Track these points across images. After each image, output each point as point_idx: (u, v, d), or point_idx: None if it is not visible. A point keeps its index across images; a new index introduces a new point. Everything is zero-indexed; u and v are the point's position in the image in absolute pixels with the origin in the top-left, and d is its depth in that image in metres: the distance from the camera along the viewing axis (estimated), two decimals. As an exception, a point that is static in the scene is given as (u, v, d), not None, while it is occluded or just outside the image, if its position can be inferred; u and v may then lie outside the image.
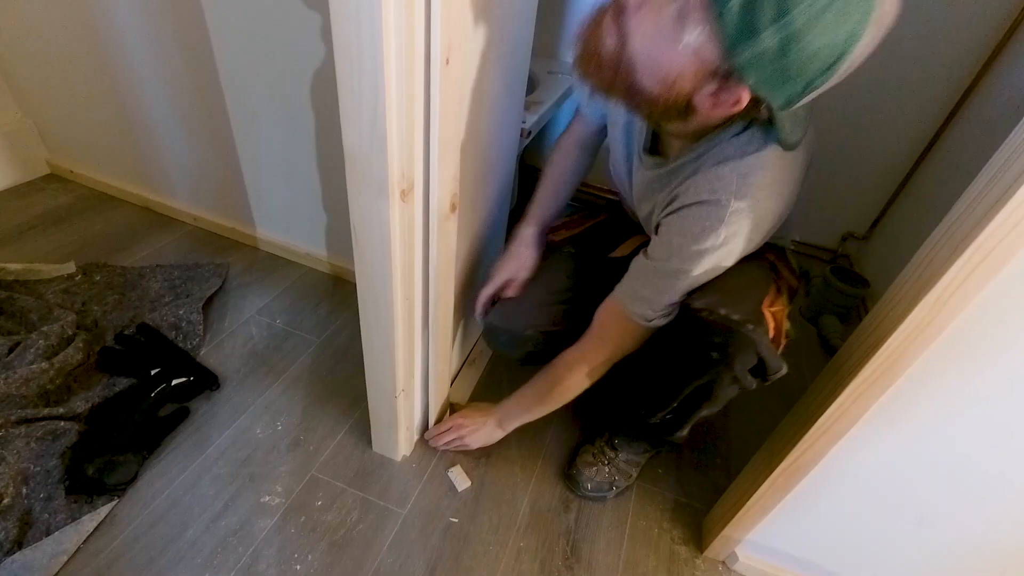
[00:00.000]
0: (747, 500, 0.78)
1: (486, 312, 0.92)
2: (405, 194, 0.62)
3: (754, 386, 0.69)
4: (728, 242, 0.60)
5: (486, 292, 0.91)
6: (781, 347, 0.70)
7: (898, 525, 0.71)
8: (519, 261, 0.92)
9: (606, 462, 0.96)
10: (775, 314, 0.69)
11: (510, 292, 0.91)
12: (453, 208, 0.73)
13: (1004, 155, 0.47)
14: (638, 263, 0.70)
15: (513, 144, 1.02)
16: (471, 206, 0.86)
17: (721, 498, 0.89)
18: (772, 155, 0.59)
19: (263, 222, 1.37)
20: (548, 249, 0.96)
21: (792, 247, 0.82)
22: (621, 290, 0.72)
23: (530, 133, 1.13)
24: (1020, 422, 0.56)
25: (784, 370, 0.68)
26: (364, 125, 0.55)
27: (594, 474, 0.94)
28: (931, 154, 1.39)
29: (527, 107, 1.20)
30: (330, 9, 0.49)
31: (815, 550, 0.80)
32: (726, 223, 0.59)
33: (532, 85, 1.38)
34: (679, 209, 0.63)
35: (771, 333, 0.67)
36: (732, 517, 0.81)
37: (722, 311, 0.64)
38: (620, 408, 0.95)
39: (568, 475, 0.96)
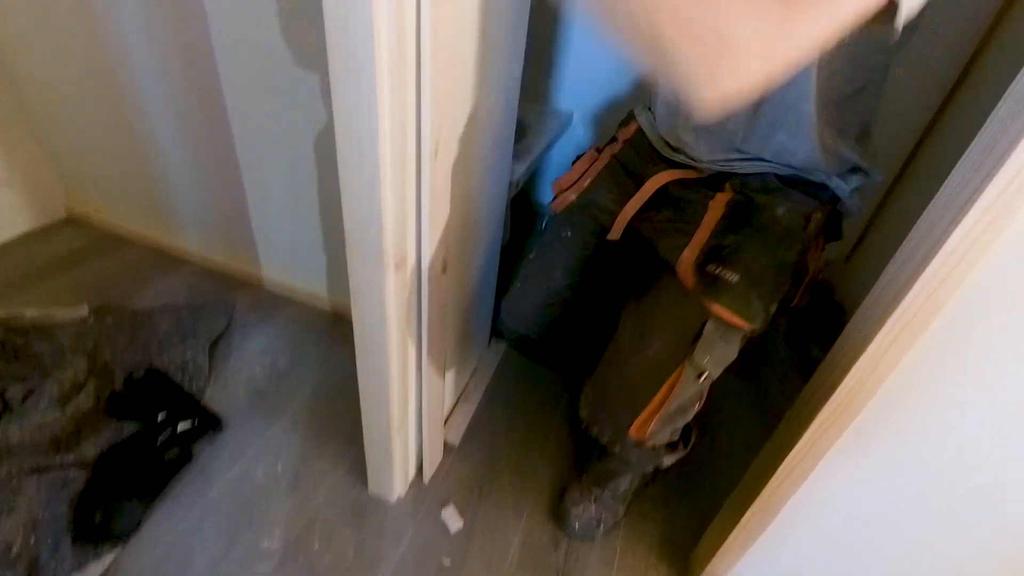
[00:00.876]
0: (728, 535, 0.81)
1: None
2: (400, 264, 0.68)
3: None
4: None
5: None
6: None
7: (878, 553, 0.73)
8: None
9: (592, 499, 0.99)
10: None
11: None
12: (444, 269, 0.78)
13: (953, 185, 0.52)
14: None
15: (502, 196, 1.08)
16: (462, 262, 0.91)
17: (705, 533, 0.93)
18: None
19: (268, 261, 1.43)
20: (550, 221, 0.93)
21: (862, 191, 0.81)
22: None
23: (518, 184, 1.19)
24: (986, 440, 0.59)
25: (667, 463, 0.80)
26: (362, 206, 0.61)
27: (581, 512, 0.98)
28: (909, 170, 1.41)
29: (516, 156, 1.26)
30: (334, 110, 0.55)
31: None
32: None
33: (522, 131, 1.43)
34: None
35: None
36: (715, 552, 0.85)
37: (594, 430, 0.71)
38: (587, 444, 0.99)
39: (557, 513, 1.00)
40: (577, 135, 1.68)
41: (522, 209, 1.68)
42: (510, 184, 1.13)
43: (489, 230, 1.03)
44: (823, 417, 0.63)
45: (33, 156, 1.51)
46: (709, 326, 0.67)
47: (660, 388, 0.68)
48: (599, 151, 0.95)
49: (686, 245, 0.73)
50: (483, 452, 1.11)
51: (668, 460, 0.84)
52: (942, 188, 0.54)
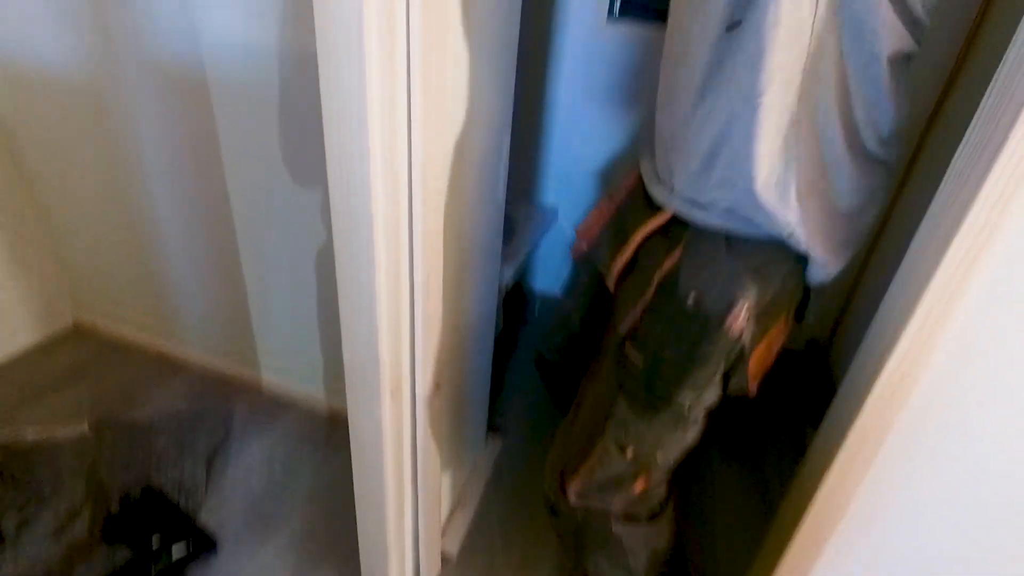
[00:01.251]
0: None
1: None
2: (395, 391, 0.72)
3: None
4: None
5: None
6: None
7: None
8: None
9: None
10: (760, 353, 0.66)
11: None
12: (438, 387, 0.83)
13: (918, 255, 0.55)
14: None
15: (493, 303, 1.14)
16: (455, 376, 0.96)
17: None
18: None
19: (267, 365, 1.47)
20: (573, 263, 0.93)
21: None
22: None
23: (508, 285, 1.26)
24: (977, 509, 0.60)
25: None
26: (360, 344, 0.67)
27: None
28: (887, 229, 1.41)
29: (505, 258, 1.34)
30: (336, 272, 0.62)
31: None
32: None
33: (510, 231, 1.52)
34: None
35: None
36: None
37: (546, 490, 0.79)
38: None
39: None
40: (564, 228, 1.79)
41: (514, 295, 1.75)
42: (500, 289, 1.20)
43: (481, 338, 1.08)
44: (808, 521, 0.65)
45: (46, 269, 1.59)
46: (620, 405, 0.69)
47: (586, 455, 0.73)
48: (611, 198, 0.93)
49: (625, 316, 0.72)
50: (482, 560, 1.09)
51: (626, 532, 0.80)
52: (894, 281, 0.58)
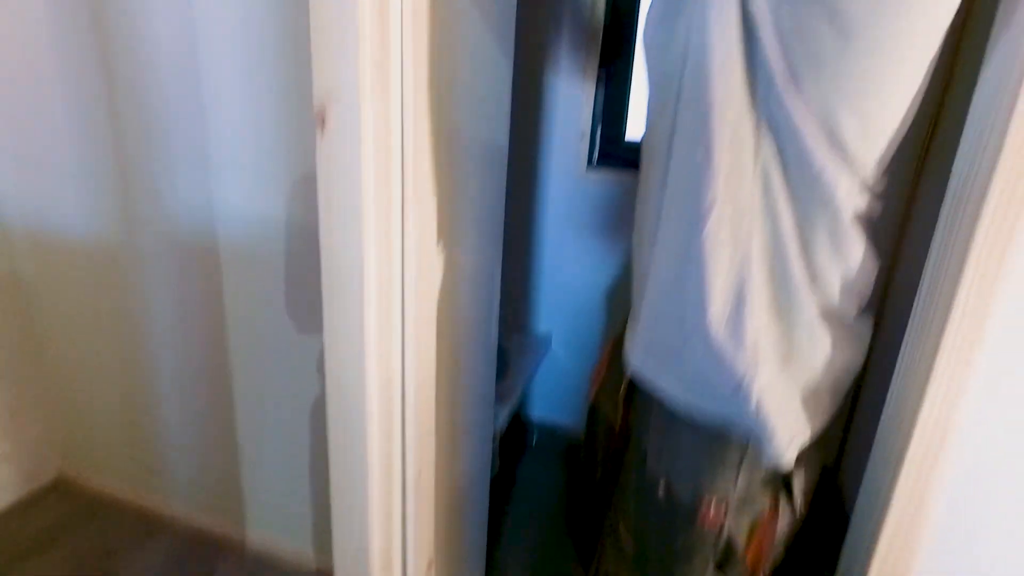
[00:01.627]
0: None
1: None
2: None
3: None
4: None
5: None
6: None
7: None
8: None
9: None
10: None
11: None
12: (430, 565, 0.79)
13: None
14: None
15: (487, 449, 1.13)
16: (447, 552, 0.92)
17: None
18: None
19: (255, 521, 1.40)
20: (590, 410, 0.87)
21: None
22: None
23: (503, 429, 1.26)
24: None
25: None
26: (349, 539, 0.65)
27: None
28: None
29: (499, 398, 1.34)
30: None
31: None
32: None
33: (504, 365, 1.54)
34: None
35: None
36: None
37: None
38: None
39: None
40: (559, 354, 1.82)
41: (511, 427, 1.72)
42: (495, 434, 1.19)
43: (476, 491, 1.05)
44: None
45: (38, 424, 1.57)
46: None
47: None
48: (615, 342, 0.88)
49: (620, 491, 0.69)
50: None
51: None
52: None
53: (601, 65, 1.56)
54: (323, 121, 0.56)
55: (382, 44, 0.54)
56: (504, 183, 0.97)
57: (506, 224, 1.00)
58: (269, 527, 1.39)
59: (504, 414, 1.28)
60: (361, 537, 0.64)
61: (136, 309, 1.35)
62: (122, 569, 1.33)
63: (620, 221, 1.66)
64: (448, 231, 0.74)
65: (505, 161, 0.96)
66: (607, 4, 1.52)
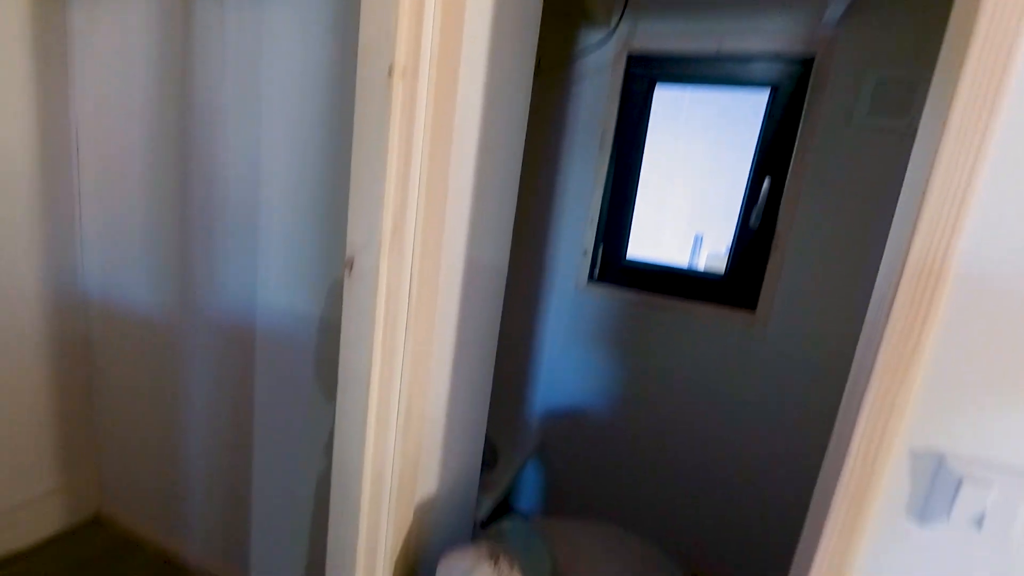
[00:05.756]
0: None
1: None
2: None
3: None
4: None
5: None
6: None
7: None
8: None
9: None
10: None
11: None
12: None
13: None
14: None
15: (465, 532, 1.23)
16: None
17: None
18: None
19: (256, 571, 1.51)
20: None
21: None
22: None
23: (482, 521, 1.35)
24: None
25: None
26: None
27: None
28: None
29: (484, 489, 1.43)
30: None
31: None
32: None
33: (492, 457, 1.62)
34: None
35: None
36: None
37: None
38: None
39: None
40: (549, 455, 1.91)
41: (496, 513, 1.78)
42: (475, 521, 1.29)
43: None
44: None
45: (82, 462, 1.76)
46: None
47: None
48: None
49: None
50: None
51: None
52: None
53: (606, 191, 1.82)
54: (351, 267, 0.77)
55: (401, 208, 0.76)
56: (501, 300, 1.16)
57: (511, 329, 1.19)
58: (271, 573, 1.49)
59: (488, 504, 1.38)
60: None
61: (179, 377, 1.57)
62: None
63: (613, 334, 1.83)
64: (443, 347, 0.93)
65: (503, 281, 1.16)
66: (615, 134, 1.78)
